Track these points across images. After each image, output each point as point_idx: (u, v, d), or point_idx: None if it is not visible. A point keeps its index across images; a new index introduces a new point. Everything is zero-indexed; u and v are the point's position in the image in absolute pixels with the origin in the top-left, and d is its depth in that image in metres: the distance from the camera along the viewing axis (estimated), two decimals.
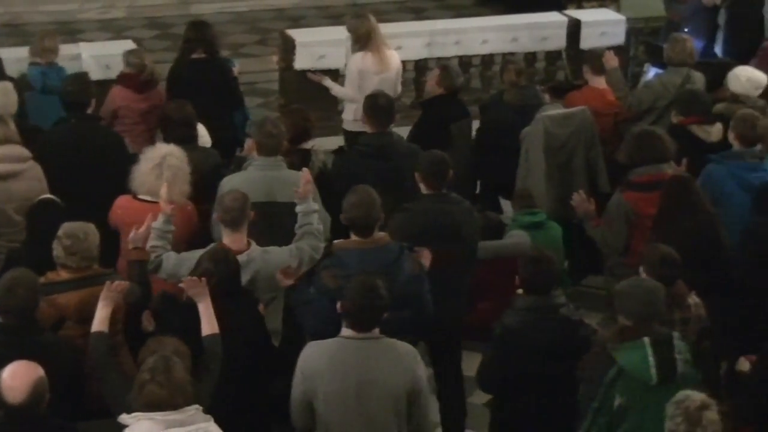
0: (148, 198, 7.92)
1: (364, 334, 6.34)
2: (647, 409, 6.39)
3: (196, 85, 9.59)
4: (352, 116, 10.47)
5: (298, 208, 7.64)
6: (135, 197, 8.03)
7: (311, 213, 7.63)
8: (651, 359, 6.36)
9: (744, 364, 6.96)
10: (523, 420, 7.03)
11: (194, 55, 10.17)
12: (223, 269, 6.89)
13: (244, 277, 7.15)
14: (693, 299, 7.29)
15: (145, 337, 6.64)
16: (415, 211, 7.81)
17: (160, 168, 7.91)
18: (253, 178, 8.03)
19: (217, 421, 5.85)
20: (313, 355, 6.38)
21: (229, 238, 7.33)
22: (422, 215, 7.76)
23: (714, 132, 9.37)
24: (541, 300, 6.96)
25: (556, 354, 6.86)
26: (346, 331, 6.39)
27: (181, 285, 6.81)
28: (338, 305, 6.40)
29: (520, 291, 7.09)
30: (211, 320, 6.60)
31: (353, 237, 7.18)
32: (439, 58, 12.61)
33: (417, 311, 7.14)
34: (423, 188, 7.90)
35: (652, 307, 6.55)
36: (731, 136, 8.92)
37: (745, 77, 9.81)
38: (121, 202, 8.07)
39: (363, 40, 10.41)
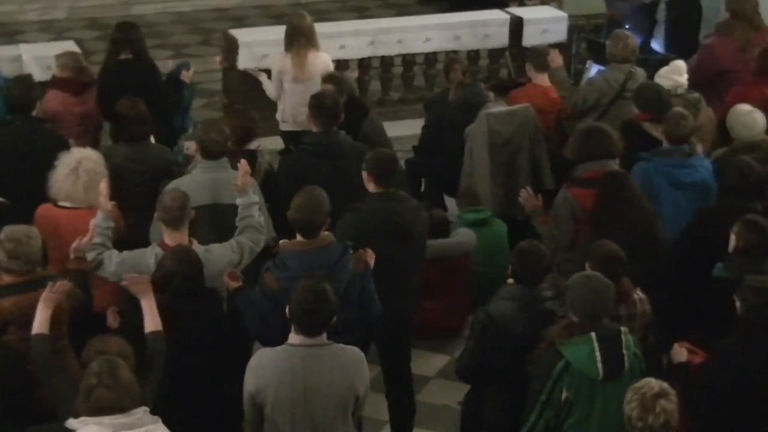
0: (68, 204, 7.85)
1: (311, 340, 6.32)
2: (594, 403, 6.46)
3: (124, 86, 9.43)
4: (280, 116, 10.48)
5: (238, 201, 7.63)
6: (55, 204, 7.93)
7: (251, 205, 7.62)
8: (597, 354, 6.41)
9: (679, 353, 7.01)
10: (500, 410, 7.07)
11: (122, 56, 10.04)
12: (187, 268, 6.87)
13: None
14: (638, 295, 7.33)
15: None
16: (363, 210, 7.80)
17: (76, 173, 7.83)
18: (197, 180, 8.00)
19: (179, 423, 5.83)
20: (262, 363, 6.35)
21: (169, 238, 7.30)
22: (371, 214, 7.75)
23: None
24: (527, 290, 7.01)
25: (534, 345, 6.88)
26: (293, 338, 6.36)
27: (123, 283, 6.77)
28: (287, 310, 6.38)
29: (510, 281, 7.13)
30: (154, 317, 6.57)
31: (298, 238, 7.17)
32: (382, 57, 12.64)
33: (362, 310, 7.14)
34: (371, 187, 7.90)
35: (600, 304, 6.58)
36: (660, 134, 8.98)
37: (665, 70, 9.95)
38: (42, 210, 7.92)
39: (287, 40, 10.37)
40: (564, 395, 6.45)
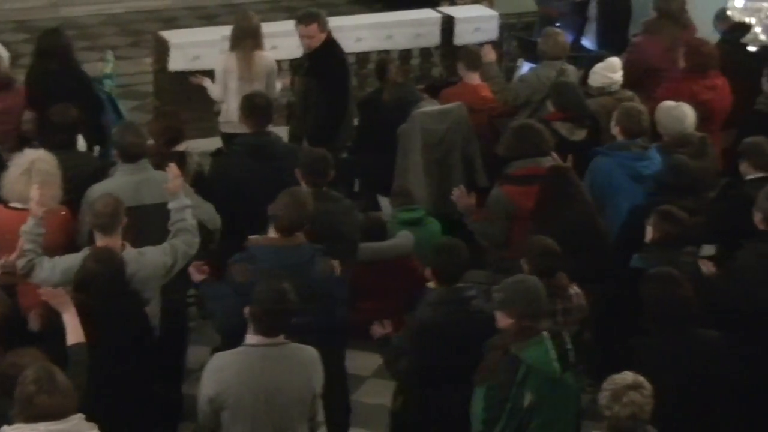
0: (19, 206, 7.75)
1: (269, 340, 6.32)
2: (555, 403, 6.49)
3: (53, 95, 9.35)
4: (223, 117, 10.44)
5: (170, 205, 7.58)
6: (6, 205, 7.86)
7: (184, 208, 7.58)
8: (552, 353, 6.46)
9: None
10: (434, 412, 7.08)
11: (49, 66, 9.94)
12: (107, 269, 6.83)
13: None
14: (574, 289, 7.40)
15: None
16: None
17: (29, 174, 7.75)
18: (119, 183, 7.91)
19: (110, 428, 5.81)
20: (220, 366, 6.35)
21: (101, 242, 7.25)
22: None
23: (578, 132, 9.49)
24: (452, 292, 7.02)
25: (469, 347, 6.90)
26: (251, 338, 6.36)
27: (42, 298, 6.70)
28: (246, 310, 6.37)
29: (430, 284, 7.12)
30: (76, 329, 6.51)
31: (271, 234, 7.21)
32: None
33: (327, 312, 7.16)
34: (303, 186, 7.90)
35: (537, 303, 6.61)
36: (615, 130, 9.04)
37: (599, 67, 10.01)
38: None
39: (233, 40, 10.35)
40: (527, 400, 6.44)
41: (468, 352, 6.90)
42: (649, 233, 7.71)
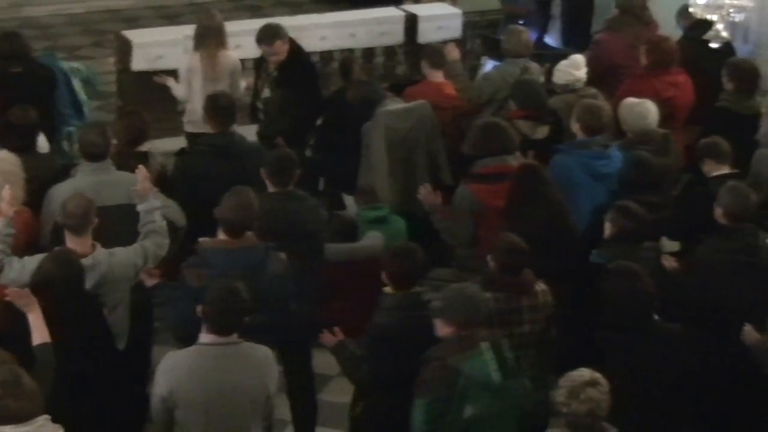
0: None
1: (223, 339, 6.31)
2: (497, 413, 6.51)
3: (15, 99, 9.29)
4: (187, 117, 10.41)
5: (139, 207, 7.56)
6: None
7: (153, 210, 7.57)
8: (491, 363, 6.46)
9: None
10: (394, 418, 7.02)
11: (11, 69, 9.88)
12: (66, 271, 6.80)
13: (91, 281, 7.06)
14: (540, 287, 7.40)
15: None
16: (260, 210, 7.79)
17: None
18: (80, 184, 7.88)
19: (67, 429, 5.75)
20: (173, 365, 6.33)
21: (72, 242, 7.23)
22: (267, 213, 7.73)
23: (539, 129, 9.52)
24: (409, 296, 7.00)
25: (424, 351, 6.91)
26: (204, 337, 6.35)
27: (7, 298, 6.66)
28: (199, 309, 6.34)
29: (387, 288, 7.10)
30: (41, 330, 6.47)
31: (221, 236, 7.18)
32: None
33: (281, 311, 7.13)
34: (269, 186, 7.88)
35: (476, 312, 6.61)
36: (576, 127, 9.07)
37: (564, 65, 10.02)
38: None
39: (197, 39, 10.32)
40: (468, 412, 6.45)
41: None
42: (608, 229, 7.76)
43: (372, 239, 8.97)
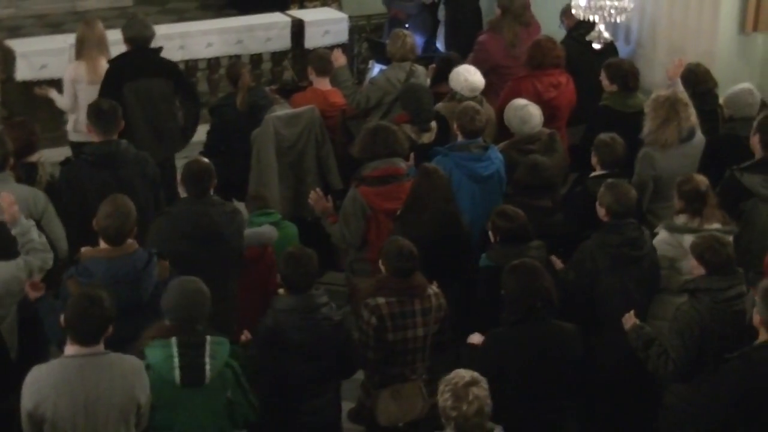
0: None
1: (88, 350, 6.21)
2: (177, 408, 6.49)
3: None
4: (72, 127, 10.31)
5: (13, 231, 7.46)
6: None
7: (28, 231, 7.48)
8: (176, 360, 6.43)
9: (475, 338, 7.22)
10: (290, 422, 7.11)
11: None
12: None
13: None
14: (433, 289, 7.45)
15: None
16: (174, 214, 7.76)
17: None
18: None
19: None
20: (37, 378, 6.21)
21: None
22: (181, 218, 7.71)
23: (426, 134, 9.57)
24: (302, 299, 7.00)
25: (317, 354, 6.95)
26: (69, 349, 6.24)
27: None
28: (61, 319, 6.26)
29: (281, 291, 7.11)
30: None
31: (102, 245, 7.11)
32: None
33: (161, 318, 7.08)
34: (182, 193, 7.87)
35: (191, 308, 6.57)
36: (455, 128, 9.14)
37: (464, 78, 9.93)
38: None
39: (78, 48, 10.26)
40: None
41: (317, 361, 6.97)
42: (491, 233, 7.86)
43: (265, 227, 8.95)
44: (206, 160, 8.20)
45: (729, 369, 6.64)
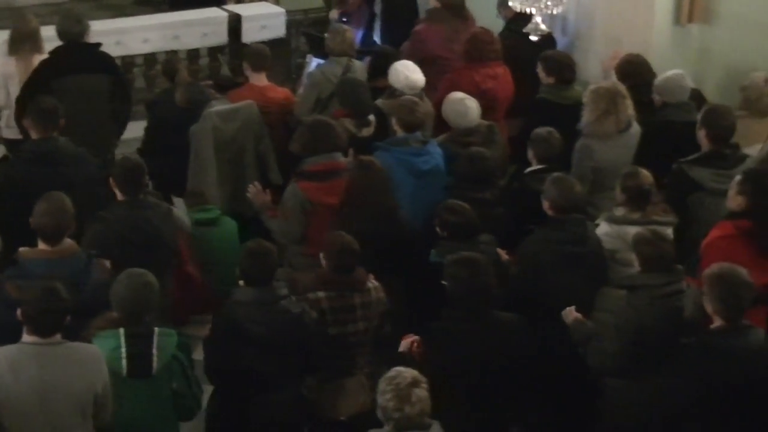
0: None
1: (44, 339, 6.21)
2: (122, 398, 6.51)
3: None
4: (5, 123, 10.22)
5: None
6: None
7: None
8: (123, 351, 6.48)
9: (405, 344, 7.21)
10: (250, 416, 7.08)
11: None
12: None
13: None
14: (372, 283, 7.46)
15: None
16: (110, 220, 7.70)
17: None
18: None
19: None
20: None
21: None
22: (118, 223, 7.67)
23: (365, 128, 9.56)
24: (260, 291, 7.00)
25: (276, 347, 6.93)
26: (26, 338, 6.25)
27: None
28: (18, 312, 6.23)
29: (241, 282, 7.09)
30: None
31: (41, 245, 7.06)
32: None
33: None
34: (118, 195, 7.80)
35: (138, 301, 6.60)
36: (394, 123, 9.14)
37: (404, 76, 9.87)
38: None
39: (11, 44, 10.17)
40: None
41: (275, 354, 6.95)
42: (439, 229, 7.86)
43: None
44: (137, 156, 8.15)
45: (688, 353, 6.65)
